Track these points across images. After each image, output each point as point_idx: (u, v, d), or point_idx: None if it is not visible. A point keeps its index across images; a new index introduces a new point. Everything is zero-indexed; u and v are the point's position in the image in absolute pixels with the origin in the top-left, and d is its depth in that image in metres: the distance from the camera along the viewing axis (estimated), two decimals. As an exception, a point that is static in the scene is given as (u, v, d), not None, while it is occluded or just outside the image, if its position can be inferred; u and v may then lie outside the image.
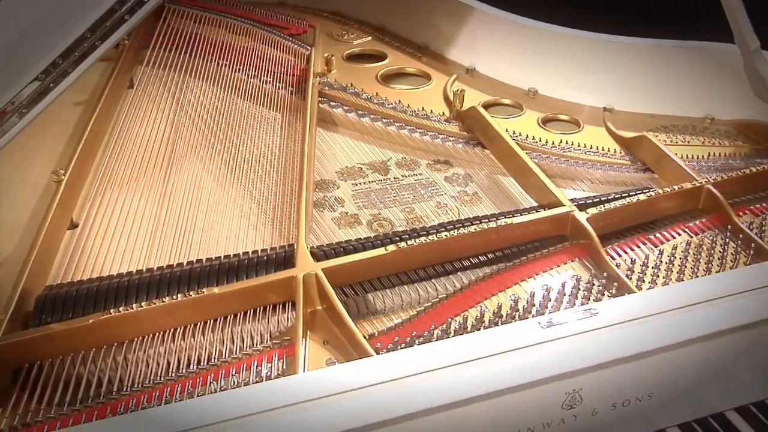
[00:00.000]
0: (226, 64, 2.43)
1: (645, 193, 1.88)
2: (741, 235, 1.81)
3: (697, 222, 1.87)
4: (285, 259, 1.66)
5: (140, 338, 1.52)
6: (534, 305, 1.62)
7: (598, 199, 1.91)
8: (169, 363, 1.49)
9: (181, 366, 1.49)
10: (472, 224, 1.76)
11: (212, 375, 1.47)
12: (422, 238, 1.70)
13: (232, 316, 1.59)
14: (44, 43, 1.44)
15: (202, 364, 1.49)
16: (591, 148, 2.15)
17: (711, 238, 1.82)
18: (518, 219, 1.77)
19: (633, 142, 2.15)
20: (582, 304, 1.62)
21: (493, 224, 1.75)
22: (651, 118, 2.32)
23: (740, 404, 1.62)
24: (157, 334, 1.53)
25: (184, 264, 1.68)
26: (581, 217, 1.79)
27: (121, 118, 2.16)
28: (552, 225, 1.81)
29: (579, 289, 1.67)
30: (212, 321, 1.57)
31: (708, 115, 2.31)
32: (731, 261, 1.76)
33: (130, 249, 1.75)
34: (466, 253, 1.74)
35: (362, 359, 1.43)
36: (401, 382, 1.34)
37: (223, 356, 1.51)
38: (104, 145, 2.08)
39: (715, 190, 1.88)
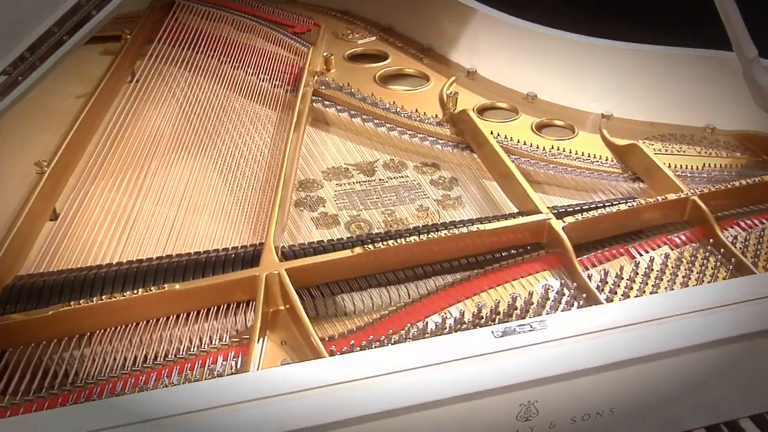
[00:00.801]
0: (226, 61, 2.45)
1: (627, 203, 1.84)
2: (722, 250, 1.76)
3: (681, 234, 1.83)
4: (253, 257, 1.66)
5: (101, 331, 1.54)
6: (498, 314, 1.60)
7: (579, 208, 1.87)
8: (126, 358, 1.50)
9: (137, 361, 1.49)
10: (445, 229, 1.74)
11: (166, 371, 1.47)
12: (390, 241, 1.69)
13: (195, 312, 1.60)
14: (12, 36, 1.47)
15: (159, 359, 1.50)
16: (583, 155, 2.11)
17: (692, 251, 1.77)
18: (490, 225, 1.75)
19: (625, 150, 2.10)
20: (548, 314, 1.60)
21: (464, 230, 1.72)
22: (651, 126, 2.27)
23: (710, 423, 1.58)
24: (118, 328, 1.54)
25: (153, 259, 1.70)
26: (557, 225, 1.76)
27: (116, 111, 2.19)
28: (529, 233, 1.78)
29: (548, 299, 1.64)
30: (175, 317, 1.58)
31: (709, 125, 2.25)
32: (710, 276, 1.71)
33: (107, 242, 1.77)
34: (435, 258, 1.73)
35: (309, 361, 1.43)
36: (345, 386, 1.33)
37: (181, 353, 1.52)
38: (97, 137, 2.11)
39: (700, 202, 1.84)
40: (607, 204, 1.87)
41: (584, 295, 1.63)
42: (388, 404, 1.34)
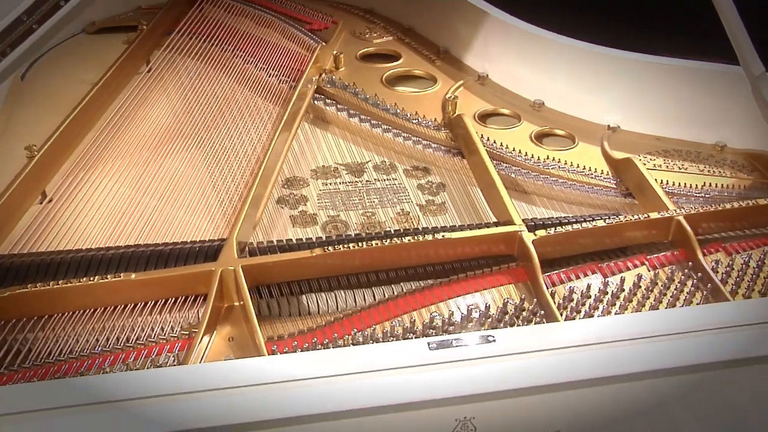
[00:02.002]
0: (239, 55, 2.47)
1: (606, 219, 1.78)
2: (700, 274, 1.69)
3: (661, 255, 1.76)
4: (216, 252, 1.67)
5: (58, 315, 1.57)
6: (452, 325, 1.57)
7: (558, 221, 1.82)
8: (77, 342, 1.53)
9: (87, 347, 1.52)
10: (414, 235, 1.72)
11: (111, 358, 1.50)
12: (351, 244, 1.67)
13: (153, 303, 1.62)
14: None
15: (107, 347, 1.52)
16: (578, 167, 2.05)
17: (669, 274, 1.71)
18: (457, 234, 1.72)
19: (620, 164, 2.04)
20: (503, 328, 1.56)
21: (429, 237, 1.70)
22: (656, 140, 2.19)
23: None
24: (69, 313, 1.57)
25: (121, 247, 1.72)
26: (528, 238, 1.71)
27: (123, 100, 2.23)
28: (501, 244, 1.74)
29: (506, 313, 1.60)
30: (132, 306, 1.61)
31: (719, 143, 2.16)
32: (682, 301, 1.65)
33: (84, 229, 1.80)
34: (400, 263, 1.70)
35: (237, 359, 1.43)
36: (265, 387, 1.32)
37: (130, 341, 1.54)
38: (99, 124, 2.15)
39: (685, 223, 1.76)
40: (588, 219, 1.81)
41: (542, 311, 1.59)
42: (311, 409, 1.32)
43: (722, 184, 2.01)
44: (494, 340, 1.41)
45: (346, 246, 1.68)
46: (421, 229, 1.82)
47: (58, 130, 2.02)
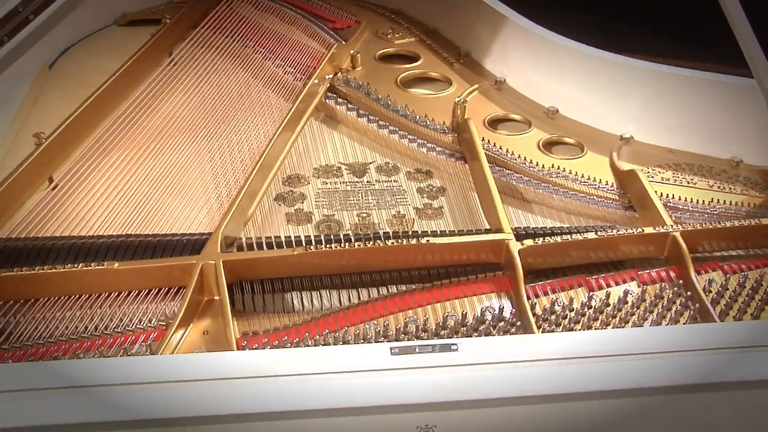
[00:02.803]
0: (258, 50, 2.50)
1: (598, 231, 1.74)
2: (689, 293, 1.64)
3: (653, 271, 1.71)
4: (201, 245, 1.69)
5: (41, 300, 1.61)
6: (426, 331, 1.56)
7: (549, 231, 1.79)
8: (57, 327, 1.56)
9: (66, 333, 1.55)
10: (399, 238, 1.71)
11: (87, 344, 1.52)
12: (334, 245, 1.67)
13: (136, 293, 1.64)
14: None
15: (84, 333, 1.55)
16: (582, 176, 2.01)
17: (659, 291, 1.66)
18: (442, 239, 1.70)
19: (625, 176, 1.99)
20: (477, 336, 1.54)
21: (414, 241, 1.69)
22: (669, 152, 2.14)
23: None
24: (51, 298, 1.60)
25: (112, 236, 1.75)
26: (514, 247, 1.69)
27: (141, 91, 2.27)
28: (486, 252, 1.72)
29: (483, 323, 1.58)
30: (116, 294, 1.63)
31: (734, 158, 2.09)
32: (667, 320, 1.60)
33: (84, 215, 1.84)
34: (383, 266, 1.70)
35: (201, 353, 1.44)
36: (225, 382, 1.33)
37: (108, 329, 1.56)
38: (113, 114, 2.18)
39: (680, 239, 1.71)
40: (580, 231, 1.77)
41: (519, 322, 1.56)
42: (265, 407, 1.32)
43: (731, 201, 1.94)
44: (457, 349, 1.39)
45: (329, 246, 1.68)
46: (410, 233, 1.80)
47: (69, 118, 2.07)
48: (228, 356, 1.42)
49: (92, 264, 1.62)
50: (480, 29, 2.51)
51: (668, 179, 2.01)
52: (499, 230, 1.75)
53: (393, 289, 1.69)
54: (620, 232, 1.73)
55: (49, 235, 1.77)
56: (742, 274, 1.70)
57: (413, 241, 1.69)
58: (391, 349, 1.39)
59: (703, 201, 1.93)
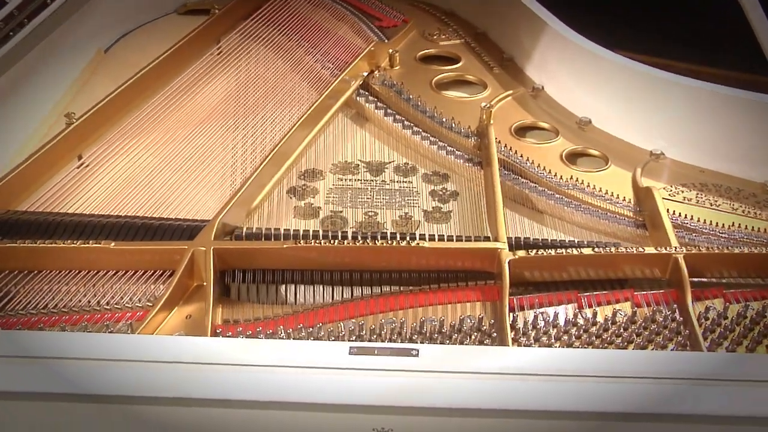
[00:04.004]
0: (302, 44, 2.53)
1: (595, 248, 1.68)
2: (681, 318, 1.57)
3: (650, 293, 1.65)
4: (197, 231, 1.73)
5: (39, 272, 1.68)
6: (399, 335, 1.55)
7: (549, 244, 1.74)
8: (54, 299, 1.63)
9: (57, 305, 1.61)
10: (392, 240, 1.71)
11: (76, 318, 1.58)
12: (327, 241, 1.68)
13: (132, 273, 1.70)
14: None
15: (74, 308, 1.61)
16: (599, 190, 1.95)
17: (651, 313, 1.59)
18: (432, 244, 1.68)
19: (642, 192, 1.92)
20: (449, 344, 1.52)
21: (403, 243, 1.68)
22: (701, 172, 2.05)
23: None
24: (48, 272, 1.67)
25: (116, 216, 1.82)
26: (505, 257, 1.65)
27: (182, 77, 2.34)
28: (478, 259, 1.69)
29: (459, 331, 1.56)
30: (111, 273, 1.69)
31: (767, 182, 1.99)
32: (653, 345, 1.54)
33: (98, 194, 1.92)
34: (374, 266, 1.69)
35: (169, 336, 1.47)
36: (187, 366, 1.35)
37: (99, 305, 1.62)
38: (154, 96, 2.25)
39: (682, 262, 1.64)
40: (580, 246, 1.72)
41: (495, 334, 1.54)
42: (222, 393, 1.34)
43: (753, 227, 1.84)
44: (417, 355, 1.38)
45: (323, 242, 1.69)
46: (407, 235, 1.79)
47: (103, 100, 2.15)
48: (189, 341, 1.43)
49: (90, 242, 1.68)
50: (522, 34, 2.47)
51: (690, 199, 1.93)
52: (495, 238, 1.72)
53: (380, 289, 1.68)
54: (620, 250, 1.67)
55: (62, 211, 1.85)
56: (745, 304, 1.61)
57: (403, 243, 1.68)
58: (350, 348, 1.39)
59: (723, 224, 1.84)
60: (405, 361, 1.37)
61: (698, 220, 1.85)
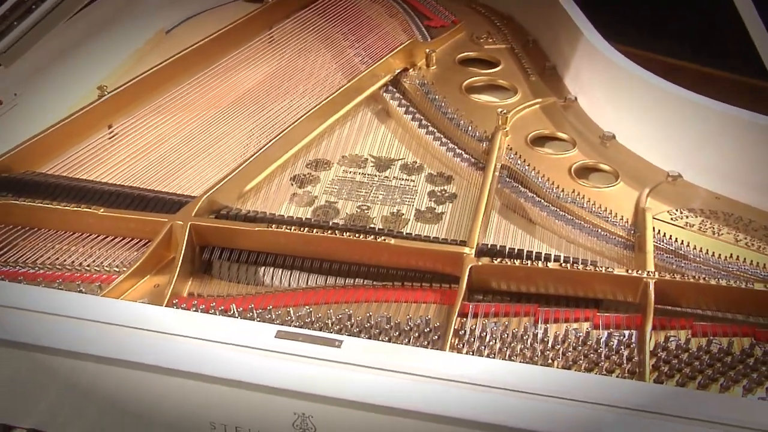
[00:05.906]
0: (348, 38, 2.58)
1: (561, 263, 1.64)
2: (633, 345, 1.51)
3: (613, 315, 1.59)
4: (181, 206, 1.80)
5: (31, 229, 1.80)
6: (345, 327, 1.56)
7: (518, 254, 1.71)
8: (35, 253, 1.74)
9: (39, 261, 1.72)
10: (366, 234, 1.72)
11: (53, 275, 1.68)
12: (303, 229, 1.72)
13: (120, 238, 1.79)
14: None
15: (56, 265, 1.71)
16: (599, 207, 1.89)
17: (605, 337, 1.54)
18: (400, 242, 1.69)
19: (640, 214, 1.85)
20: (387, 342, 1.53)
21: (371, 238, 1.69)
22: (716, 199, 1.95)
23: None
24: (38, 229, 1.79)
25: (117, 185, 1.92)
26: (468, 263, 1.64)
27: (226, 59, 2.43)
28: (444, 262, 1.68)
29: (399, 331, 1.56)
30: (97, 237, 1.79)
31: (786, 215, 1.88)
32: (599, 369, 1.49)
33: (115, 162, 2.03)
34: (346, 258, 1.71)
35: (126, 302, 1.55)
36: (131, 331, 1.42)
37: (80, 266, 1.71)
38: (188, 76, 2.35)
39: (651, 288, 1.58)
40: (547, 259, 1.68)
41: (437, 337, 1.53)
42: (154, 360, 1.40)
43: (752, 261, 1.74)
44: (339, 346, 1.39)
45: (296, 229, 1.73)
46: (377, 230, 1.80)
47: (140, 75, 2.26)
48: (124, 305, 1.51)
49: (81, 206, 1.78)
50: (563, 44, 2.42)
51: (693, 225, 1.84)
52: (464, 243, 1.71)
53: (352, 281, 1.70)
54: (588, 268, 1.63)
55: (73, 176, 1.97)
56: (709, 338, 1.53)
57: (369, 238, 1.69)
58: (277, 332, 1.42)
59: (719, 255, 1.75)
60: (327, 351, 1.40)
61: (694, 248, 1.77)
